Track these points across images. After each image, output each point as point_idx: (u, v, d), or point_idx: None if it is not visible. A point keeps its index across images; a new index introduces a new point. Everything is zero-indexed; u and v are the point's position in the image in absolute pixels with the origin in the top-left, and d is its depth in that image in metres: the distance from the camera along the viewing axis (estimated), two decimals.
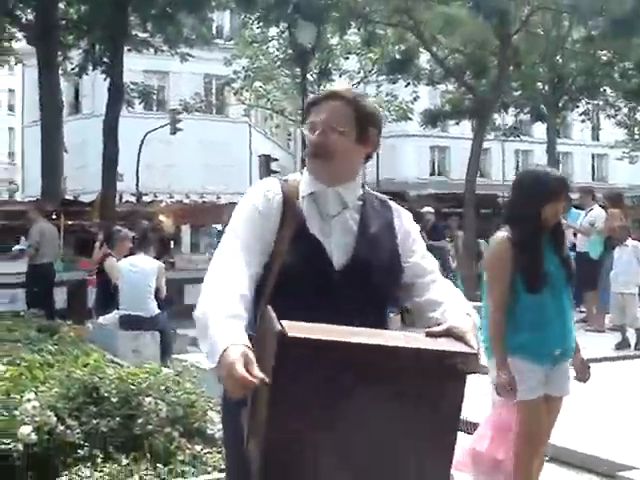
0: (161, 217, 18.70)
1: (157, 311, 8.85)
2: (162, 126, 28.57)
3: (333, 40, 23.80)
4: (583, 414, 6.26)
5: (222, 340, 2.16)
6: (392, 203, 2.71)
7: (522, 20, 19.23)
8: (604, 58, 23.08)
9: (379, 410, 2.08)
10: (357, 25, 21.40)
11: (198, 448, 4.33)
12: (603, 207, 13.04)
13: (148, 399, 4.34)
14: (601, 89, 26.65)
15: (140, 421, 4.27)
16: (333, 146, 2.53)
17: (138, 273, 8.74)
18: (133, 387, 4.43)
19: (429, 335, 2.25)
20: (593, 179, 47.65)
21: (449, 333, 2.26)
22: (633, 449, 5.65)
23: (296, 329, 2.04)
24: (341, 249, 2.51)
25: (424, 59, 24.01)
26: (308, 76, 22.59)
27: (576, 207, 14.40)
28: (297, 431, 2.04)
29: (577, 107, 28.31)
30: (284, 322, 2.06)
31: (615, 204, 12.69)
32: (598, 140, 46.22)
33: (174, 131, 28.64)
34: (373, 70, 25.82)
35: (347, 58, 25.74)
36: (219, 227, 21.61)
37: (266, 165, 23.77)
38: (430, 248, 2.76)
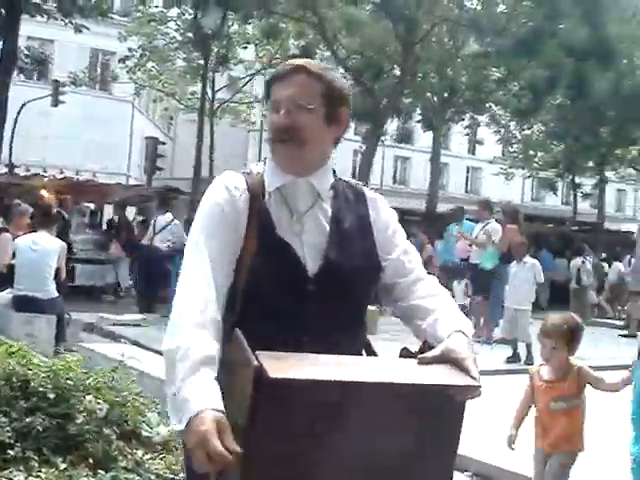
0: (43, 192, 17.77)
1: (56, 294, 8.33)
2: (42, 97, 27.26)
3: (232, 28, 23.36)
4: (476, 426, 6.23)
5: (194, 399, 1.88)
6: (366, 190, 2.41)
7: (426, 30, 19.45)
8: (498, 75, 23.68)
9: (371, 447, 1.88)
10: (259, 15, 21.12)
11: (140, 453, 4.00)
12: (497, 221, 13.29)
13: (89, 397, 3.97)
14: (487, 105, 27.41)
15: (79, 421, 3.90)
16: (302, 127, 2.20)
17: (38, 252, 8.19)
18: (70, 382, 4.05)
19: (422, 363, 2.02)
20: (466, 191, 49.04)
21: (446, 359, 2.02)
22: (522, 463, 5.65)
23: (276, 365, 1.80)
24: (314, 251, 2.22)
25: (322, 57, 23.95)
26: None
27: (469, 219, 14.70)
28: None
29: (462, 120, 28.99)
30: (260, 354, 1.82)
31: (513, 220, 12.96)
32: (474, 154, 47.60)
33: (55, 103, 27.40)
34: (271, 63, 25.54)
35: (245, 48, 25.35)
36: (92, 206, 20.92)
37: (153, 148, 23.14)
38: None
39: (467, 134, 31.99)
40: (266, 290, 2.16)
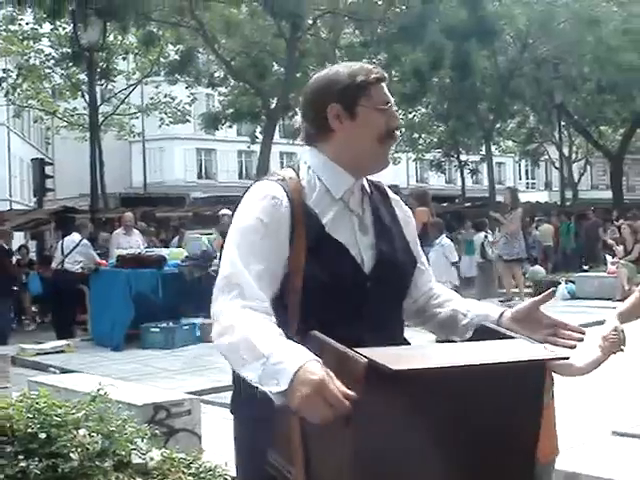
0: None
1: None
2: None
3: (111, 39, 22.83)
4: None
5: (289, 357, 1.83)
6: (384, 186, 2.45)
7: (309, 24, 19.54)
8: (380, 63, 23.98)
9: (471, 427, 1.87)
10: (137, 24, 20.71)
11: None
12: (408, 206, 13.45)
13: (81, 431, 3.80)
14: None
15: (74, 457, 3.72)
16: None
17: None
18: (57, 418, 3.86)
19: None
20: None
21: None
22: None
23: (384, 358, 1.76)
24: (367, 249, 2.24)
25: (205, 61, 23.76)
26: (84, 76, 21.64)
27: None
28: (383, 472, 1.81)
29: None
30: (362, 351, 1.78)
31: (422, 202, 13.13)
32: None
33: None
34: (152, 71, 25.14)
35: (124, 58, 24.85)
36: None
37: (40, 169, 22.40)
38: None
39: None
40: (327, 293, 2.13)
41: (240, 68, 22.22)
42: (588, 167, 43.80)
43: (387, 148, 2.27)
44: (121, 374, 9.07)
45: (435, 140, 33.60)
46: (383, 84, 2.27)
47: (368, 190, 2.34)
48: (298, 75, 21.15)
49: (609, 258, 15.76)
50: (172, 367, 10.13)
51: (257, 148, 24.16)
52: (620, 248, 16.12)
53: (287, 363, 1.82)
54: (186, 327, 11.51)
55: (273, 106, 20.93)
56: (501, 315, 2.26)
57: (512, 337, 2.05)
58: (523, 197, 20.98)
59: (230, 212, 17.21)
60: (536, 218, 23.98)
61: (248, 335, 1.94)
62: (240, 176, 46.39)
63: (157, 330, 11.38)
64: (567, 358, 2.00)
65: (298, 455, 1.92)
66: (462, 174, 33.46)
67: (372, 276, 2.21)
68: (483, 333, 2.15)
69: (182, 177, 43.91)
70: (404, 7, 19.66)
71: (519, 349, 1.96)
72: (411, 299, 2.40)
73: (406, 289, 2.36)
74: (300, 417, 1.84)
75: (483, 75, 23.16)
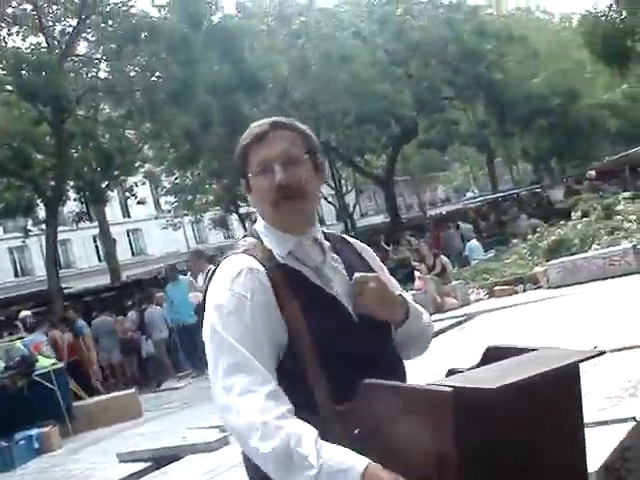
0: None
1: None
2: None
3: None
4: None
5: (348, 461, 1.81)
6: (348, 238, 2.45)
7: (72, 103, 19.05)
8: (147, 132, 23.83)
9: (535, 429, 1.93)
10: None
11: None
12: None
13: None
14: (138, 165, 27.52)
15: None
16: (302, 179, 2.15)
17: None
18: None
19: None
20: (133, 254, 48.78)
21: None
22: None
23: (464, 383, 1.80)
24: (346, 297, 2.19)
25: None
26: None
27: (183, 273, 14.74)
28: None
29: (121, 185, 28.69)
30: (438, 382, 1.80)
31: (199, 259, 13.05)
32: (130, 217, 47.48)
33: None
34: None
35: None
36: None
37: None
38: None
39: (127, 198, 31.75)
40: (334, 354, 2.06)
41: (2, 162, 21.17)
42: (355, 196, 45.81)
43: (287, 206, 2.14)
44: None
45: (212, 198, 33.75)
46: (265, 139, 2.17)
47: (331, 241, 2.30)
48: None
49: (417, 274, 16.48)
50: None
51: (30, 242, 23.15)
52: (422, 266, 16.94)
53: (351, 467, 1.80)
54: (22, 441, 10.72)
55: (49, 193, 20.13)
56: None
57: (531, 349, 2.06)
58: None
59: (29, 312, 16.39)
60: None
61: (289, 438, 1.87)
62: (16, 274, 44.20)
63: None
64: (604, 353, 2.03)
65: None
66: (244, 227, 33.81)
67: (361, 324, 2.17)
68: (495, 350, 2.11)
69: None
70: (158, 76, 19.67)
71: (559, 354, 2.01)
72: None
73: (390, 330, 2.29)
74: None
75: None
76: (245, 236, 2.29)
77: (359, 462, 1.80)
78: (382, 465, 1.79)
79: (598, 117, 37.88)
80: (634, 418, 4.85)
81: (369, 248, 2.47)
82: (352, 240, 2.45)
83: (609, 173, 27.49)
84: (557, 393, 1.94)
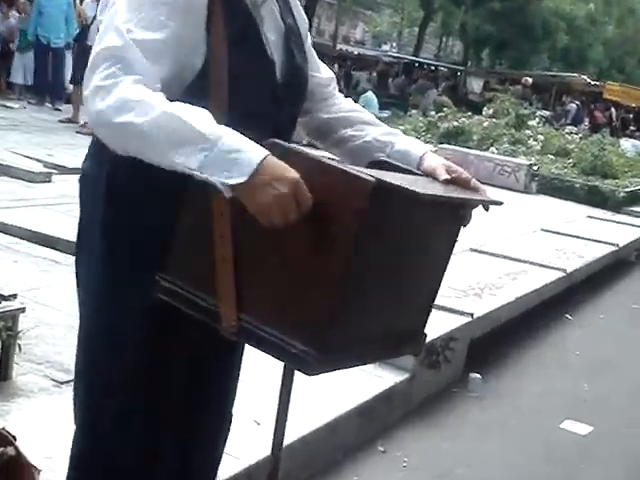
0: None
1: None
2: None
3: None
4: None
5: (249, 148, 1.58)
6: None
7: None
8: None
9: (419, 247, 1.89)
10: None
11: None
12: None
13: None
14: None
15: None
16: None
17: None
18: None
19: (448, 181, 1.98)
20: None
21: (457, 179, 2.01)
22: None
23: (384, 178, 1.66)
24: (277, 52, 1.92)
25: None
26: None
27: None
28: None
29: None
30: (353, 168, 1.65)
31: None
32: None
33: None
34: None
35: None
36: None
37: None
38: None
39: None
40: (247, 92, 1.80)
41: None
42: None
43: None
44: None
45: None
46: None
47: None
48: None
49: None
50: None
51: None
52: None
53: (249, 153, 1.57)
54: None
55: None
56: (422, 158, 2.06)
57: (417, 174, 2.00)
58: None
59: None
60: None
61: (176, 113, 1.60)
62: None
63: None
64: (501, 203, 2.02)
65: (227, 275, 1.69)
66: None
67: (283, 83, 1.93)
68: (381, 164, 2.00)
69: None
70: None
71: (461, 190, 2.00)
72: (310, 111, 2.14)
73: (305, 97, 2.07)
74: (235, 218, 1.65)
75: None
76: None
77: (261, 150, 1.58)
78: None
79: (553, 26, 36.62)
80: (471, 315, 5.12)
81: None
82: None
83: (535, 87, 27.51)
84: (452, 227, 1.94)
